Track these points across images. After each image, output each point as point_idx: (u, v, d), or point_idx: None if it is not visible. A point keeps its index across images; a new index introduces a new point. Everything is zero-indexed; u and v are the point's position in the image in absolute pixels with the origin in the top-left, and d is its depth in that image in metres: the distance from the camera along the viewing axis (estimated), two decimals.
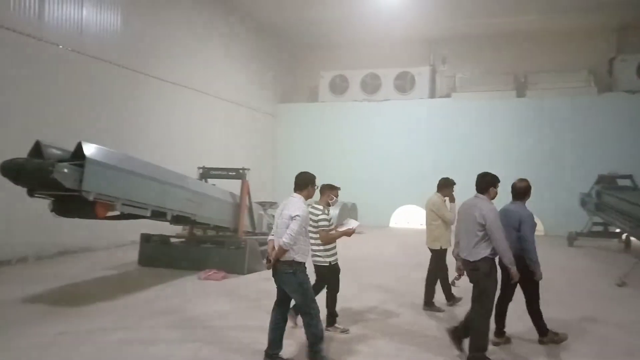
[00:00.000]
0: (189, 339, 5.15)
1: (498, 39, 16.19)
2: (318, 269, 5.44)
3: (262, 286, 7.68)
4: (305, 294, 4.42)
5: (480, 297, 4.56)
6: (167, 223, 7.93)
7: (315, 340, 4.38)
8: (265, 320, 5.92)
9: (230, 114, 14.93)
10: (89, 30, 10.08)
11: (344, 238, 5.50)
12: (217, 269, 8.05)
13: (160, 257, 8.61)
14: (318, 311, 4.45)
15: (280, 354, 4.48)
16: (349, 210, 14.64)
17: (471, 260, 4.63)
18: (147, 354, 4.68)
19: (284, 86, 18.30)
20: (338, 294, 5.60)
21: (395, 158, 16.26)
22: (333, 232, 5.37)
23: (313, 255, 5.27)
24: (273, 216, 10.68)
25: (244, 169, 9.07)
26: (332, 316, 5.50)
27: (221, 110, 14.48)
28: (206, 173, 9.30)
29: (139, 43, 11.34)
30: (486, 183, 4.76)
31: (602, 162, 13.20)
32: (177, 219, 7.75)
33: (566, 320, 5.82)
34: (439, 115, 16.15)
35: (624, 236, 11.96)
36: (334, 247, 5.43)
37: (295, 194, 4.60)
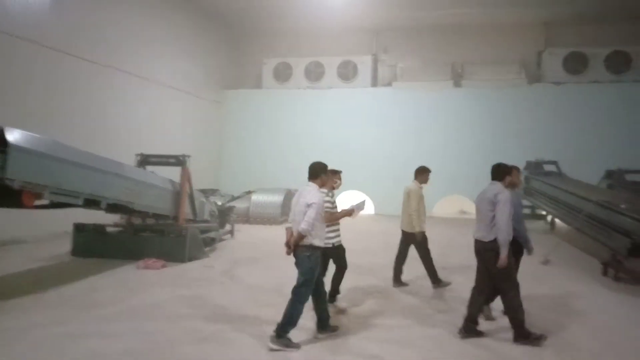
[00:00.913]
0: (126, 331, 5.04)
1: (437, 31, 16.68)
2: (323, 250, 5.58)
3: (203, 274, 7.63)
4: (309, 278, 4.73)
5: (500, 276, 4.83)
6: (109, 212, 7.68)
7: (288, 321, 4.67)
8: (207, 308, 5.93)
9: (173, 100, 14.53)
10: (14, 8, 9.44)
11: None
12: (156, 257, 7.90)
13: (96, 247, 8.32)
14: (306, 299, 4.78)
15: (329, 323, 4.97)
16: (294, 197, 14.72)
17: (485, 240, 4.90)
18: (84, 348, 4.53)
19: (229, 73, 18.00)
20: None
21: (339, 145, 16.45)
22: (336, 213, 5.61)
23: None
24: (216, 203, 10.68)
25: (184, 156, 8.89)
26: (335, 293, 5.84)
27: (164, 96, 14.06)
28: (144, 160, 9.04)
29: (71, 24, 10.74)
30: (502, 172, 5.08)
31: (530, 149, 14.00)
32: (113, 208, 7.49)
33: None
34: (380, 104, 16.50)
35: (549, 218, 12.82)
36: (337, 230, 5.70)
37: (310, 183, 4.90)
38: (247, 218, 13.01)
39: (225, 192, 13.33)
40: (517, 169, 5.58)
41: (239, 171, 16.82)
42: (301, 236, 4.62)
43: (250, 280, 7.32)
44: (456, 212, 16.29)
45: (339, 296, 5.98)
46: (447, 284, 6.90)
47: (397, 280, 7.04)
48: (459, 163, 14.90)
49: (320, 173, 4.97)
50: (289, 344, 4.64)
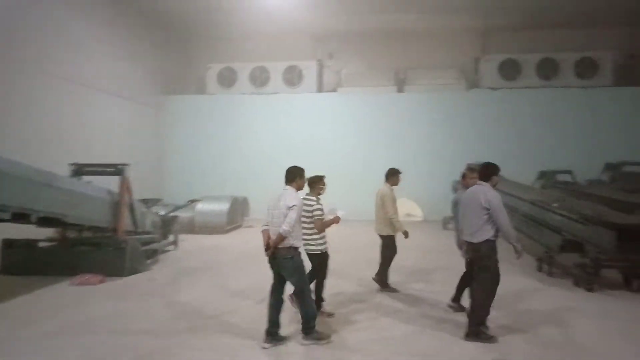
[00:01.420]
0: (65, 346, 4.78)
1: (380, 37, 17.01)
2: (310, 257, 5.70)
3: (145, 287, 7.35)
4: (301, 276, 4.96)
5: (480, 274, 5.04)
6: (41, 226, 7.22)
7: (309, 318, 4.92)
8: (150, 322, 5.72)
9: (111, 106, 13.83)
10: None
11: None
12: (93, 272, 7.53)
13: (28, 264, 7.83)
14: (310, 291, 5.11)
15: (279, 332, 5.02)
16: (240, 204, 14.51)
17: (475, 242, 5.06)
18: None
19: (172, 78, 17.50)
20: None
21: (286, 151, 16.38)
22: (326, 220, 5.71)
23: (306, 244, 5.60)
24: (158, 213, 10.32)
25: (122, 165, 8.54)
26: (319, 301, 5.86)
27: (100, 102, 13.34)
28: (79, 170, 8.58)
29: None
30: (489, 172, 5.24)
31: (470, 152, 14.49)
32: (46, 221, 7.05)
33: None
34: (326, 109, 16.59)
35: None
36: (325, 236, 5.77)
37: (287, 187, 5.08)
38: (192, 228, 12.66)
39: (168, 201, 12.92)
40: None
41: (183, 179, 16.38)
42: (282, 238, 4.77)
43: (195, 291, 7.12)
44: (403, 215, 16.62)
45: (323, 303, 5.99)
46: (394, 290, 6.99)
47: (384, 284, 7.05)
48: (403, 167, 15.06)
49: (296, 177, 5.13)
50: (321, 337, 4.95)
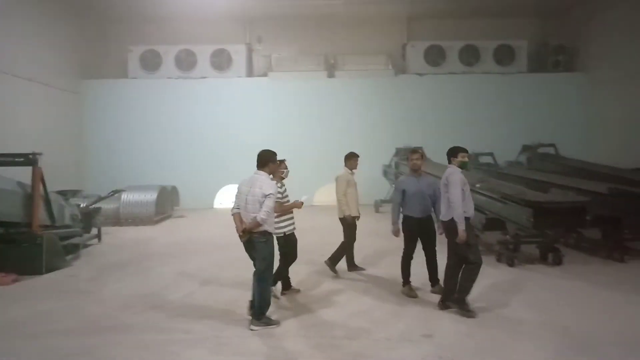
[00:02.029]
0: None
1: (310, 21, 16.89)
2: (276, 239, 5.69)
3: (66, 285, 6.88)
4: (269, 263, 5.08)
5: (464, 249, 5.25)
6: None
7: (263, 304, 5.05)
8: (72, 322, 5.36)
9: (21, 91, 12.69)
10: None
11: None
12: (6, 271, 6.93)
13: None
14: (272, 279, 5.27)
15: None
16: (169, 194, 13.98)
17: (445, 220, 5.39)
18: None
19: (90, 61, 16.34)
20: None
21: (216, 137, 15.97)
22: (286, 204, 5.81)
23: None
24: (78, 206, 9.67)
25: (34, 154, 7.85)
26: (286, 280, 6.15)
27: (8, 87, 12.23)
28: None
29: None
30: (451, 153, 5.54)
31: (399, 136, 14.92)
32: None
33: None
34: (257, 94, 16.30)
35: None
36: (290, 219, 5.87)
37: (260, 172, 5.07)
38: (118, 220, 12.02)
39: (89, 192, 12.15)
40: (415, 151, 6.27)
41: (105, 169, 15.47)
42: (257, 225, 4.88)
43: (121, 286, 6.77)
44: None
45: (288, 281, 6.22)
46: (362, 269, 7.21)
47: (351, 265, 7.24)
48: (334, 152, 15.18)
49: (268, 161, 5.12)
50: (269, 322, 5.05)
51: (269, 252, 5.04)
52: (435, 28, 16.98)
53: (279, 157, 5.44)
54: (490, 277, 6.79)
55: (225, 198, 16.23)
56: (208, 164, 15.83)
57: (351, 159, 7.23)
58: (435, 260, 6.12)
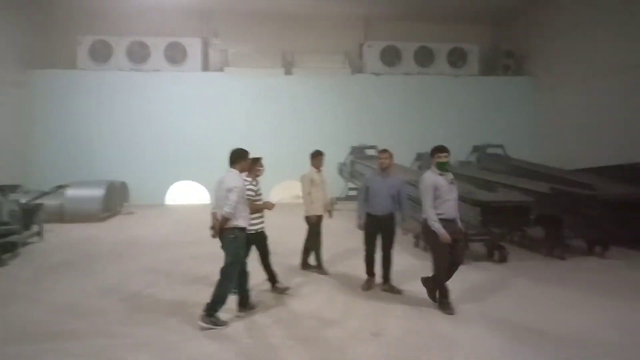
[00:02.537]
0: None
1: (268, 18, 16.73)
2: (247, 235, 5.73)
3: (2, 287, 6.50)
4: (235, 259, 5.10)
5: (431, 249, 5.52)
6: None
7: (218, 300, 5.01)
8: (7, 328, 5.08)
9: None
10: None
11: None
12: None
13: None
14: (235, 278, 5.17)
15: (249, 301, 5.44)
16: (118, 190, 13.50)
17: (421, 220, 5.57)
18: None
19: (36, 50, 15.54)
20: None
21: (169, 132, 15.56)
22: (258, 203, 5.79)
23: None
24: (17, 202, 9.15)
25: None
26: (272, 277, 6.11)
27: None
28: None
29: None
30: (431, 154, 5.61)
31: (355, 135, 15.04)
32: None
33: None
34: (212, 89, 16.00)
35: None
36: (260, 217, 5.87)
37: (231, 169, 5.22)
38: (62, 216, 11.48)
39: (32, 187, 11.56)
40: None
41: (50, 164, 14.75)
42: (225, 219, 4.98)
43: (62, 288, 6.45)
44: (290, 197, 16.73)
45: (279, 278, 6.17)
46: (326, 273, 7.00)
47: (304, 264, 7.21)
48: (291, 149, 15.23)
49: (239, 159, 5.24)
50: (217, 322, 4.97)
51: (235, 248, 5.08)
52: (392, 29, 17.22)
53: (253, 155, 5.60)
54: None
55: (177, 194, 15.86)
56: (160, 159, 15.41)
57: (315, 158, 7.16)
58: (390, 259, 6.18)
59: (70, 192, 11.67)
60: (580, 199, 8.17)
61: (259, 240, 5.92)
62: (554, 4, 15.13)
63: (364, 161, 13.08)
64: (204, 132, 15.60)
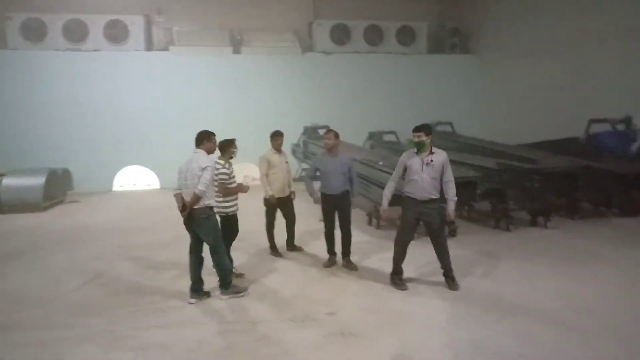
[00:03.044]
0: None
1: None
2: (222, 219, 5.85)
3: None
4: (216, 235, 5.28)
5: None
6: None
7: (225, 274, 5.33)
8: None
9: None
10: None
11: None
12: None
13: None
14: (224, 249, 5.40)
15: (202, 287, 5.39)
16: (61, 177, 12.86)
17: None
18: None
19: None
20: None
21: (112, 114, 14.88)
22: (232, 185, 5.81)
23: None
24: None
25: None
26: (231, 261, 5.94)
27: None
28: None
29: None
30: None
31: (307, 115, 14.94)
32: None
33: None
34: (157, 69, 15.37)
35: None
36: (234, 200, 5.88)
37: (197, 150, 5.30)
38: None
39: None
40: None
41: None
42: (197, 198, 5.03)
43: (7, 280, 6.16)
44: (243, 178, 16.54)
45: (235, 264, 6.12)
46: (279, 255, 6.98)
47: (272, 248, 7.08)
48: (241, 131, 14.89)
49: (203, 140, 5.32)
50: (238, 289, 5.39)
51: (211, 226, 5.20)
52: (341, 7, 17.09)
53: (228, 137, 5.85)
54: (390, 250, 7.08)
55: (125, 180, 15.31)
56: (105, 144, 14.74)
57: (272, 139, 7.03)
58: (349, 236, 6.33)
59: (7, 181, 11.00)
60: (522, 172, 8.52)
61: (228, 223, 5.89)
62: None
63: (317, 141, 13.05)
64: (151, 114, 15.04)
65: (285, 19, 16.86)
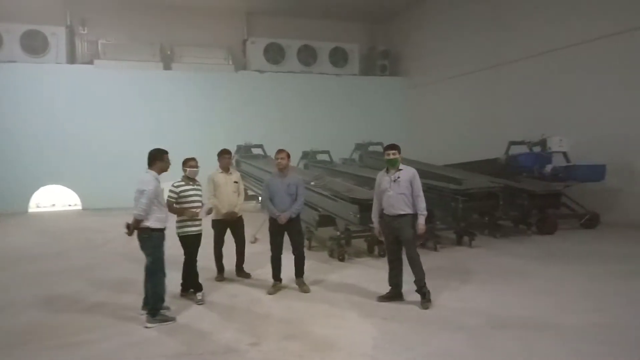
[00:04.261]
0: None
1: (144, 6, 15.73)
2: (188, 238, 5.79)
3: None
4: (155, 257, 5.03)
5: None
6: None
7: (157, 299, 5.03)
8: None
9: None
10: None
11: None
12: None
13: None
14: (162, 275, 5.10)
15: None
16: None
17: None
18: None
19: None
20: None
21: (29, 130, 13.91)
22: (183, 206, 5.66)
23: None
24: None
25: None
26: (187, 282, 5.94)
27: None
28: None
29: None
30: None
31: (240, 134, 14.74)
32: None
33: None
34: (80, 84, 14.63)
35: (259, 198, 13.79)
36: (185, 221, 5.69)
37: (148, 170, 5.10)
38: None
39: None
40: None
41: None
42: (137, 221, 4.91)
43: None
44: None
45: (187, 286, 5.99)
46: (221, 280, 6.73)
47: (220, 270, 6.86)
48: (170, 148, 14.45)
49: (155, 159, 5.13)
50: (165, 319, 5.03)
51: (152, 246, 5.03)
52: (275, 25, 17.19)
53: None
54: (320, 272, 7.02)
55: (43, 200, 14.28)
56: (21, 162, 13.73)
57: (218, 158, 6.82)
58: (303, 258, 6.31)
59: None
60: (447, 193, 8.81)
61: (185, 243, 5.80)
62: (427, 6, 16.19)
63: (250, 160, 12.86)
64: (73, 130, 14.23)
65: (218, 35, 16.69)
